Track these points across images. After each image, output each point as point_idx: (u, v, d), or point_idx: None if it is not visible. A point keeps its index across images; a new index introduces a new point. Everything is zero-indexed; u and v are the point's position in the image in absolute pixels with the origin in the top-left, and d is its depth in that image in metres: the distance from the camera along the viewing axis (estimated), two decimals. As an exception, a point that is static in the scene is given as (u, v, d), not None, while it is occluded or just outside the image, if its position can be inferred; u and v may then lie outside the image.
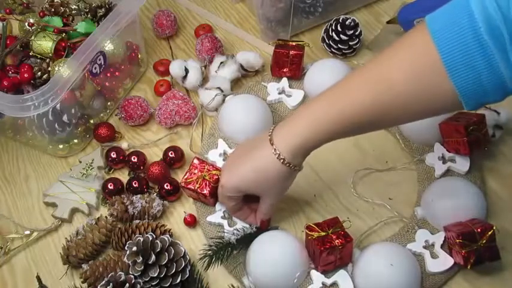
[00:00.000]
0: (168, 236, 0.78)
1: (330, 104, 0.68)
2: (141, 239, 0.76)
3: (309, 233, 0.75)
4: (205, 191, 0.81)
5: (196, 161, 0.83)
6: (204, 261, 0.77)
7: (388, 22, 1.02)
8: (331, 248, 0.73)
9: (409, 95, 0.63)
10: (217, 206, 0.84)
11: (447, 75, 0.59)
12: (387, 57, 0.65)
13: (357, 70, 0.69)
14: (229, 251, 0.78)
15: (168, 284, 0.75)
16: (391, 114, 0.66)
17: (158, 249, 0.75)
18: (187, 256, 0.78)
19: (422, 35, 0.61)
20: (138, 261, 0.74)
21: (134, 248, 0.75)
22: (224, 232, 0.81)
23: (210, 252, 0.78)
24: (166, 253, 0.76)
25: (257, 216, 0.80)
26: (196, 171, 0.83)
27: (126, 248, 0.76)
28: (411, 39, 0.64)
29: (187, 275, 0.77)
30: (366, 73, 0.67)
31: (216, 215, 0.83)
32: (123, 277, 0.74)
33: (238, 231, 0.80)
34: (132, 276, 0.74)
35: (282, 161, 0.70)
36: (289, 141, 0.70)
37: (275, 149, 0.70)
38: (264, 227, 0.81)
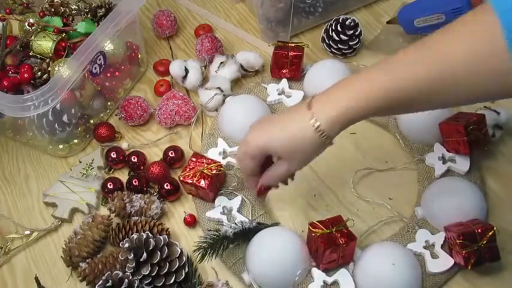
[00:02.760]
0: (165, 235, 0.78)
1: (381, 75, 0.64)
2: (135, 237, 0.76)
3: (313, 230, 0.75)
4: (203, 184, 0.81)
5: (194, 157, 0.84)
6: (198, 254, 0.77)
7: (388, 22, 1.03)
8: (335, 246, 0.73)
9: (467, 74, 0.60)
10: (217, 202, 0.84)
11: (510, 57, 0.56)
12: (448, 34, 0.62)
13: (412, 46, 0.65)
14: (226, 245, 0.78)
15: (161, 283, 0.76)
16: (443, 94, 0.62)
17: (151, 248, 0.75)
18: (183, 257, 0.78)
19: (488, 16, 0.58)
20: (130, 258, 0.74)
21: (127, 245, 0.75)
22: (222, 225, 0.81)
23: (204, 244, 0.78)
24: (159, 252, 0.76)
25: (263, 177, 0.76)
26: (194, 165, 0.83)
27: (120, 244, 0.76)
28: (476, 18, 0.60)
29: (182, 276, 0.77)
30: (424, 48, 0.63)
31: (215, 211, 0.83)
32: (120, 275, 0.74)
33: (236, 225, 0.80)
34: (129, 273, 0.74)
35: (317, 128, 0.66)
36: (330, 109, 0.66)
37: (312, 114, 0.66)
38: (261, 194, 0.78)
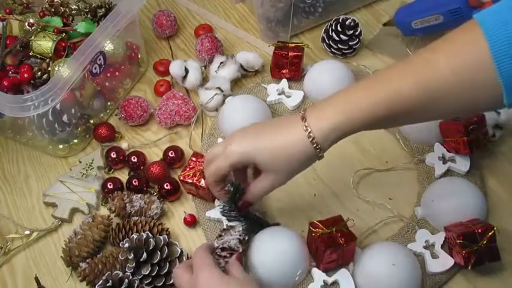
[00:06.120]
0: (165, 235, 0.78)
1: (368, 90, 0.66)
2: (135, 237, 0.76)
3: (313, 230, 0.75)
4: (204, 183, 0.81)
5: (194, 156, 0.84)
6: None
7: (384, 24, 1.03)
8: (335, 246, 0.73)
9: (454, 87, 0.62)
10: (216, 202, 0.84)
11: (495, 71, 0.59)
12: (435, 49, 0.64)
13: (399, 62, 0.67)
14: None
15: (161, 283, 0.76)
16: (429, 107, 0.64)
17: (151, 248, 0.76)
18: (183, 257, 0.78)
19: (475, 32, 0.60)
20: (130, 258, 0.75)
21: (127, 245, 0.75)
22: (222, 224, 0.81)
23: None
24: (159, 252, 0.76)
25: (248, 193, 0.75)
26: (194, 164, 0.83)
27: (120, 244, 0.76)
28: (463, 34, 0.63)
29: None
30: (410, 64, 0.65)
31: (215, 210, 0.83)
32: (120, 275, 0.74)
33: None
34: (129, 273, 0.75)
35: (311, 139, 0.67)
36: (323, 122, 0.66)
37: (306, 127, 0.67)
38: (245, 208, 0.77)
